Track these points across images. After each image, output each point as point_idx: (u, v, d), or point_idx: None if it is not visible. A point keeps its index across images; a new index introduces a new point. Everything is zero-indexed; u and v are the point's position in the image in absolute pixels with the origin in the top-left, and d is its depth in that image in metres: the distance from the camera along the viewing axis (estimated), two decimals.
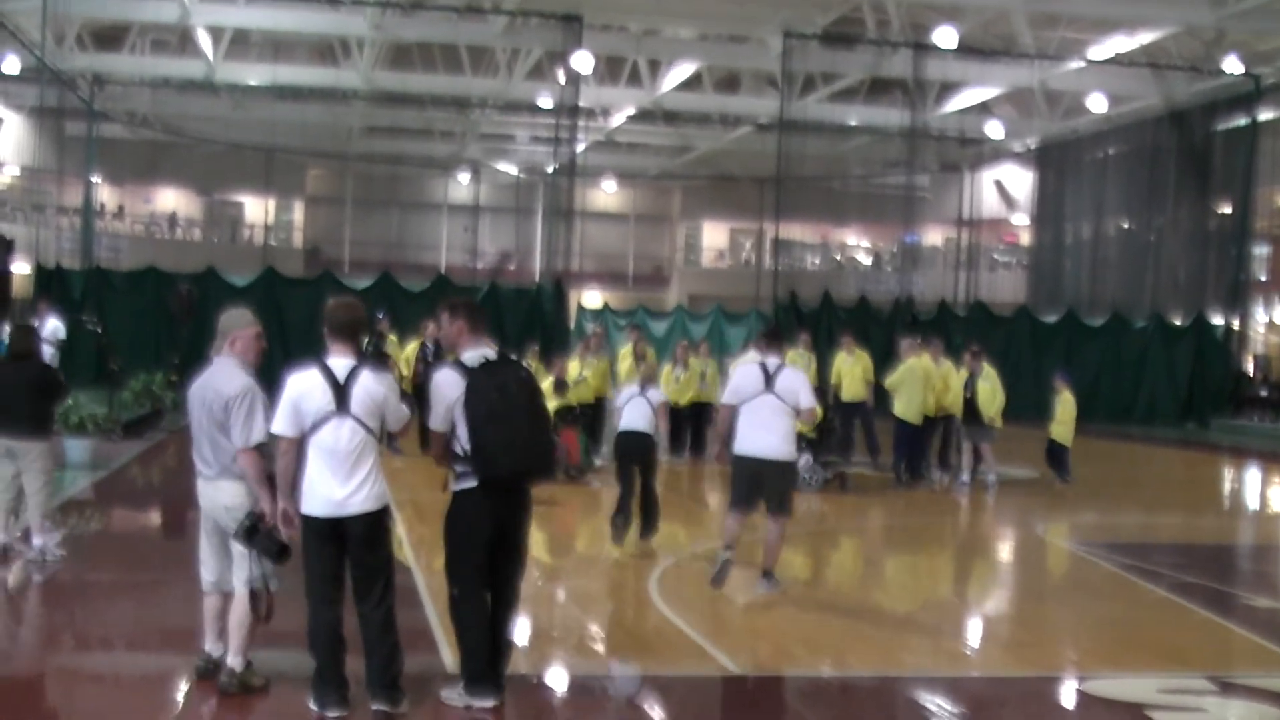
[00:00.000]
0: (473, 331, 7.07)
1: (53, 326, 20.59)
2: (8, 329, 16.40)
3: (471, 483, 6.84)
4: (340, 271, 40.50)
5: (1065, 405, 18.66)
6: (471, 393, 6.78)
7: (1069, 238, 44.05)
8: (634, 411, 12.26)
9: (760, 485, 10.03)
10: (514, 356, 7.53)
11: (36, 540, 10.19)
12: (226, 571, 7.09)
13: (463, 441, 6.82)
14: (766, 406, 9.98)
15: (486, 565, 6.93)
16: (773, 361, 10.20)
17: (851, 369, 18.76)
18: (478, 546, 6.89)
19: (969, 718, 7.40)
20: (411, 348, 19.25)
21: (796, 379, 10.23)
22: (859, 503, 16.33)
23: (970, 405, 17.46)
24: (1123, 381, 32.69)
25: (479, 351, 7.00)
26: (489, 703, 6.87)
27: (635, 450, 12.22)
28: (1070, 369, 23.32)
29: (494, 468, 6.78)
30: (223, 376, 7.03)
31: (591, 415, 18.33)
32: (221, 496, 7.02)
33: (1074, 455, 18.82)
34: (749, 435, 10.00)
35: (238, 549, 6.94)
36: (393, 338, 19.78)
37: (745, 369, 10.44)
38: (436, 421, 6.91)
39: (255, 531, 6.79)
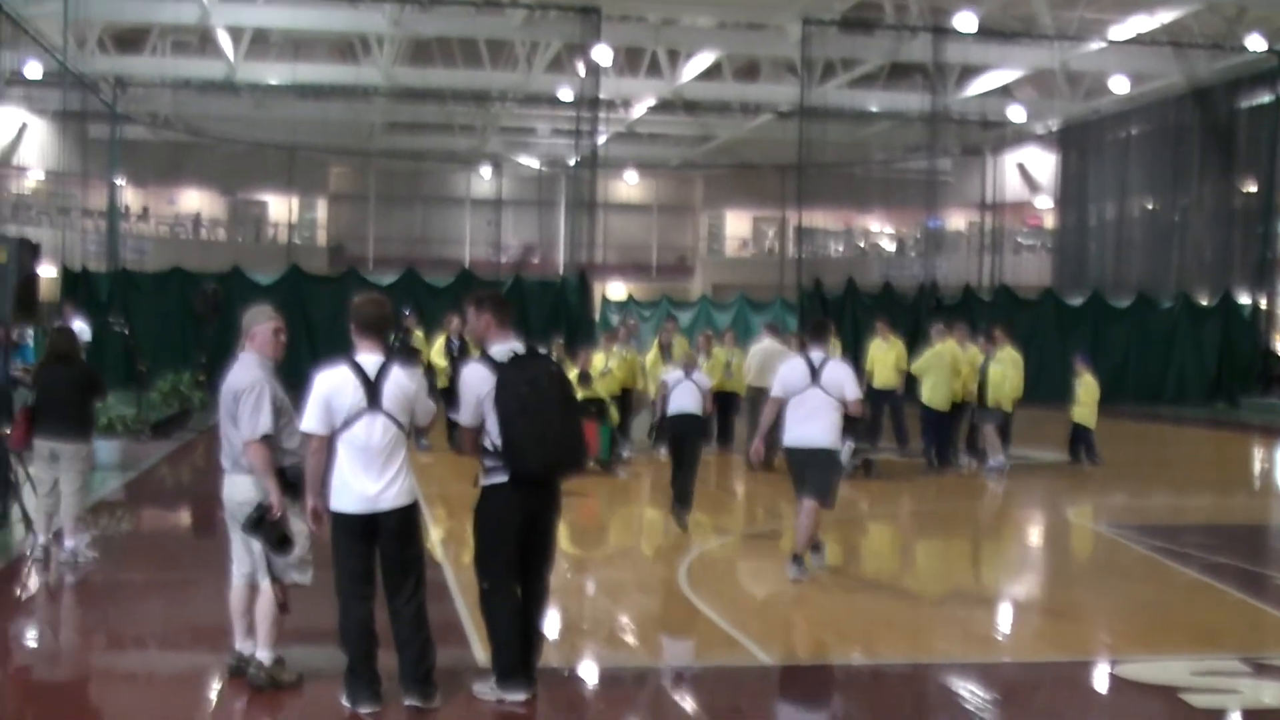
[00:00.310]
0: (500, 326, 7.04)
1: (79, 329, 20.69)
2: (30, 332, 16.53)
3: (502, 477, 6.83)
4: (364, 268, 40.54)
5: (1087, 387, 18.62)
6: (502, 387, 6.76)
7: (1093, 219, 43.79)
8: (683, 395, 12.67)
9: (804, 474, 10.09)
10: (541, 350, 7.53)
11: (69, 542, 10.22)
12: (256, 565, 7.12)
13: (493, 436, 6.81)
14: (813, 399, 10.02)
15: (516, 559, 6.93)
16: (817, 355, 10.22)
17: (885, 356, 18.72)
18: (508, 541, 6.89)
19: (1001, 703, 7.37)
20: (437, 343, 19.26)
21: (842, 372, 10.22)
22: (887, 488, 16.30)
23: (982, 388, 17.44)
24: (1150, 362, 32.51)
25: (507, 345, 6.97)
26: (521, 696, 6.87)
27: (688, 431, 12.60)
28: (1097, 351, 23.25)
29: (525, 462, 6.77)
30: (238, 372, 7.07)
31: (620, 407, 18.32)
32: (235, 491, 7.05)
33: (1102, 437, 18.81)
34: (794, 427, 10.09)
35: (255, 542, 6.99)
36: (419, 333, 19.80)
37: (791, 363, 10.45)
38: (466, 417, 6.88)
39: (261, 523, 6.82)
